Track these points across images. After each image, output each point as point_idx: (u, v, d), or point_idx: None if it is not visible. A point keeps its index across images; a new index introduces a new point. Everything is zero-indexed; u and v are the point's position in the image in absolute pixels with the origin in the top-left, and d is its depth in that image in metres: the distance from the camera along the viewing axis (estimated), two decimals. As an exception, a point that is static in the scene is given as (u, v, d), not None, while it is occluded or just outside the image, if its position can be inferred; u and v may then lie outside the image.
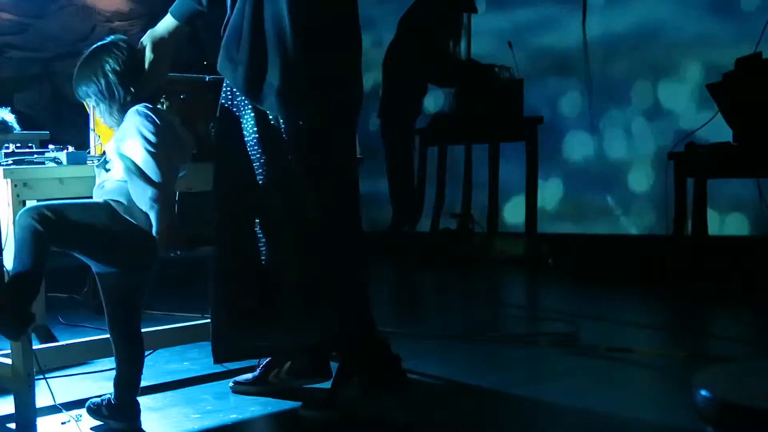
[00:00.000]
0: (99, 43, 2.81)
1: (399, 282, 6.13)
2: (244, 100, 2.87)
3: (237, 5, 2.85)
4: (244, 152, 2.88)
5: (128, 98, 2.71)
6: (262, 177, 2.86)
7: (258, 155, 2.86)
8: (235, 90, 2.89)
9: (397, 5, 6.70)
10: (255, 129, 2.85)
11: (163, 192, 2.58)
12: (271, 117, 2.84)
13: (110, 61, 2.72)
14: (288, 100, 2.81)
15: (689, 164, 5.45)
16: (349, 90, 2.98)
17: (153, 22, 2.97)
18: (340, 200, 2.93)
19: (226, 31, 2.89)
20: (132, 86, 2.72)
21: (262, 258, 2.87)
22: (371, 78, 6.78)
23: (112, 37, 2.85)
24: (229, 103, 2.92)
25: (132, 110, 2.68)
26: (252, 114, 2.86)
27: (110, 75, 2.71)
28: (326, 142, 2.89)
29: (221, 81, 3.00)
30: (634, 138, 6.82)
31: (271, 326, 2.91)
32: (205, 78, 3.23)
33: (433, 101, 7.09)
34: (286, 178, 2.86)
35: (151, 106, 2.71)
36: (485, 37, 7.02)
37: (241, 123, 2.88)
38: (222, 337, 2.96)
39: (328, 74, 2.88)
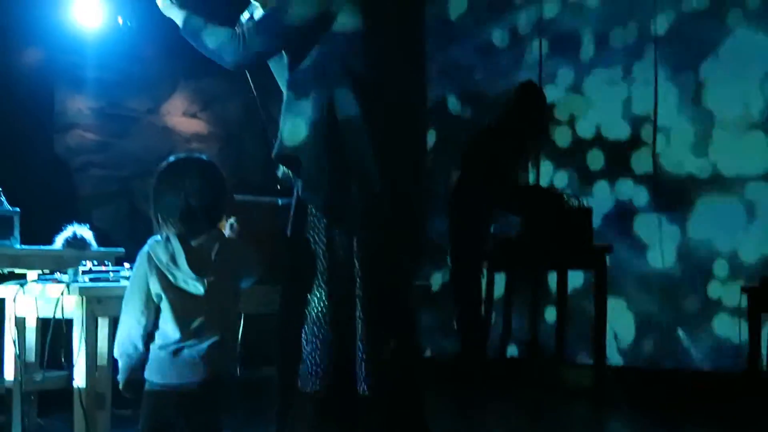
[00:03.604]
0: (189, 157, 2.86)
1: (461, 415, 5.99)
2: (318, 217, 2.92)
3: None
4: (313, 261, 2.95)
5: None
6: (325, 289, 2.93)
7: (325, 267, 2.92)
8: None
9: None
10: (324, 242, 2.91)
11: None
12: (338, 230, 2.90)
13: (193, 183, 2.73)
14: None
15: (764, 299, 5.32)
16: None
17: (229, 144, 3.04)
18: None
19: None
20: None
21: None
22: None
23: (204, 156, 2.89)
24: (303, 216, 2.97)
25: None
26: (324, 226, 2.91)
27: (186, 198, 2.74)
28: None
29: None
30: (705, 270, 6.63)
31: None
32: (278, 201, 3.25)
33: (500, 226, 7.08)
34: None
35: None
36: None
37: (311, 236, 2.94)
38: None
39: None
